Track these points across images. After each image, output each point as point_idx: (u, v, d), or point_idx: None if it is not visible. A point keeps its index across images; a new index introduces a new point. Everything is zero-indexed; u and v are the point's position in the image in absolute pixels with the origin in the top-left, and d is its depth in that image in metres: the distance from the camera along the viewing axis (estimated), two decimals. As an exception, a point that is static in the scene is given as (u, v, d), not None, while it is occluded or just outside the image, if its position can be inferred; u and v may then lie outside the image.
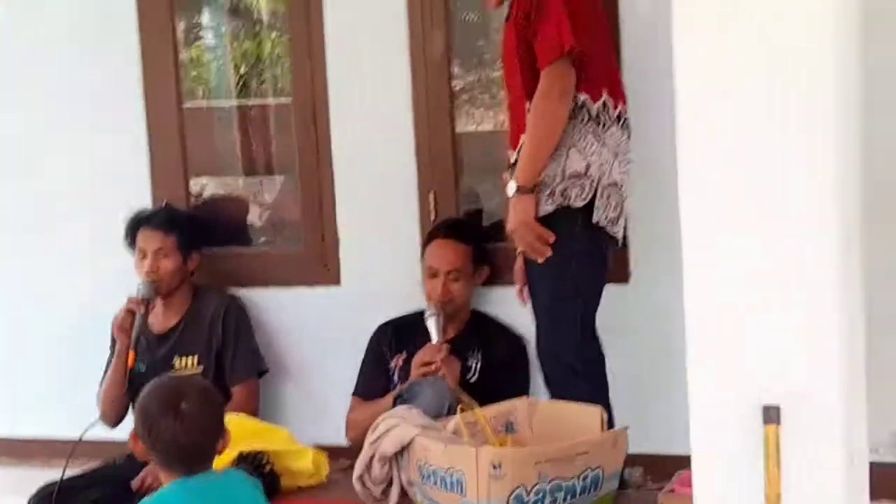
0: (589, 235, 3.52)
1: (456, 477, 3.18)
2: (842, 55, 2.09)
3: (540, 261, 3.49)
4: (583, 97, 3.49)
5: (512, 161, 3.63)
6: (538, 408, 3.63)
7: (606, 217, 3.52)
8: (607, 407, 3.50)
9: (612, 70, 3.67)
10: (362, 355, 4.20)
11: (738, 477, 2.11)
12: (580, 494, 3.27)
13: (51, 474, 3.96)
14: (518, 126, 3.60)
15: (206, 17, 7.21)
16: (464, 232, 4.13)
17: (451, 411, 3.64)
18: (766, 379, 2.09)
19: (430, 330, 3.94)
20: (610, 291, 3.77)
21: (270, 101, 6.55)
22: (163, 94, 4.66)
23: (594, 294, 3.63)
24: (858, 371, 2.28)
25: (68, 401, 4.66)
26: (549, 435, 3.48)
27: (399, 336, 4.15)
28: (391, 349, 4.16)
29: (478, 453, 3.14)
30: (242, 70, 7.11)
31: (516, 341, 4.12)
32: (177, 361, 4.30)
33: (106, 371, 4.32)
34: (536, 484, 3.17)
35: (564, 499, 3.23)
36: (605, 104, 3.54)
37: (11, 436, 4.92)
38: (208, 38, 7.26)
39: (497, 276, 4.19)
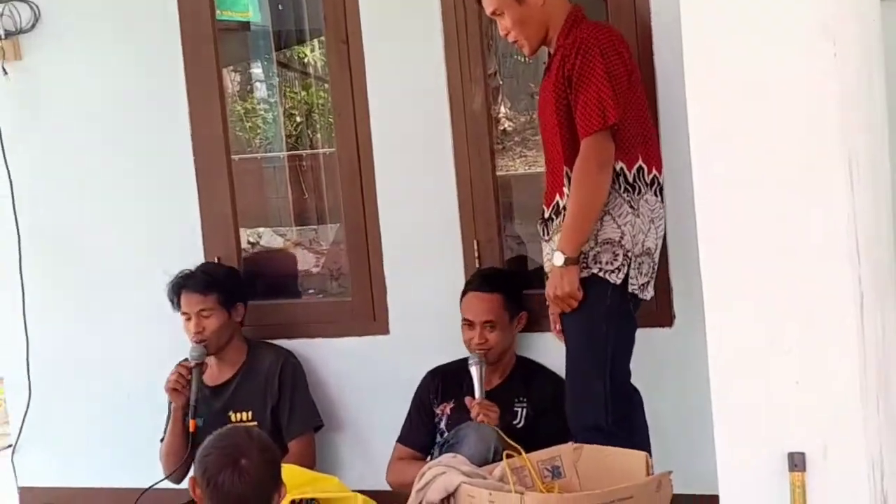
0: (619, 302, 3.53)
1: (501, 523, 3.21)
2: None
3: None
4: (619, 165, 3.49)
5: (545, 216, 3.68)
6: (583, 453, 3.62)
7: (638, 285, 3.55)
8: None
9: (648, 135, 3.65)
10: (408, 405, 4.22)
11: (766, 523, 2.13)
12: (625, 538, 3.30)
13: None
14: (554, 183, 3.63)
15: (257, 71, 7.34)
16: (496, 283, 4.12)
17: (496, 457, 3.67)
18: (791, 426, 2.11)
19: (473, 378, 3.95)
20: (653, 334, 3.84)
21: (322, 150, 6.59)
22: (212, 149, 4.69)
23: (625, 353, 3.64)
24: (889, 413, 2.30)
25: (125, 454, 4.76)
26: (594, 480, 3.47)
27: (446, 384, 4.17)
28: (438, 397, 4.18)
29: (522, 500, 3.15)
30: (295, 121, 7.23)
31: (561, 385, 4.08)
32: (232, 416, 4.33)
33: (165, 430, 4.36)
34: (582, 529, 3.21)
35: (610, 543, 3.27)
36: (640, 169, 3.55)
37: (69, 485, 4.96)
38: (260, 90, 7.38)
39: (538, 322, 4.18)
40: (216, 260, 4.67)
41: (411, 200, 4.41)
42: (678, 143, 3.61)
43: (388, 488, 4.11)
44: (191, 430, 4.16)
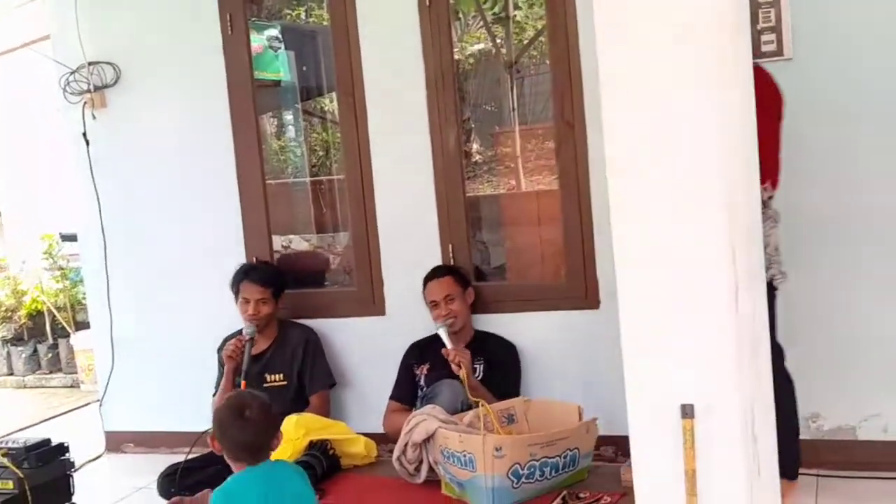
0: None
1: (468, 457, 3.19)
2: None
3: None
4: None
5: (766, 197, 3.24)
6: (531, 404, 3.64)
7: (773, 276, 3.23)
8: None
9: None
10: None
11: (665, 456, 2.12)
12: (562, 469, 3.29)
13: (174, 458, 4.01)
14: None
15: (288, 117, 7.32)
16: (442, 270, 4.15)
17: (464, 407, 3.66)
18: (683, 384, 2.09)
19: (443, 339, 3.93)
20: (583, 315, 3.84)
21: (336, 177, 6.59)
22: (251, 175, 4.66)
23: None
24: (759, 373, 2.29)
25: (181, 405, 4.76)
26: (539, 425, 3.50)
27: (422, 352, 4.15)
28: (417, 361, 4.16)
29: (484, 440, 3.15)
30: (317, 154, 7.21)
31: (509, 347, 4.12)
32: (267, 377, 4.30)
33: (217, 386, 4.33)
34: (529, 461, 3.19)
35: (550, 473, 3.26)
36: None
37: (144, 429, 4.98)
38: (290, 132, 7.36)
39: (498, 306, 4.21)
40: (254, 259, 4.64)
41: (402, 214, 4.39)
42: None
43: (383, 431, 4.08)
44: (242, 388, 4.08)
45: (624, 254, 2.14)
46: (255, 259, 4.64)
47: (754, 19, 3.61)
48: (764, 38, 3.63)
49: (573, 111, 3.99)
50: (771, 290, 3.20)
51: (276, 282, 4.32)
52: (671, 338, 2.09)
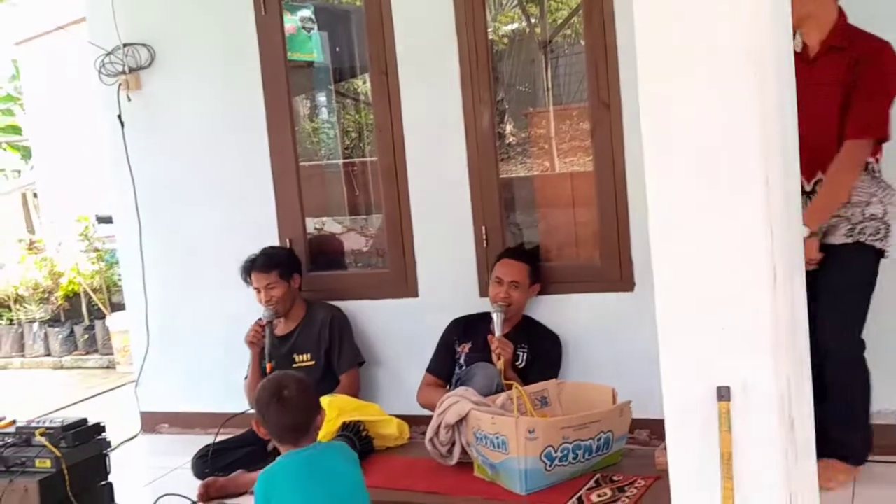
0: (875, 264, 3.28)
1: (501, 439, 3.19)
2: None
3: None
4: (872, 160, 3.24)
5: (808, 190, 3.26)
6: (564, 387, 3.63)
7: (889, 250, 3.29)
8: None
9: None
10: (433, 349, 4.18)
11: (700, 440, 2.09)
12: (595, 452, 3.28)
13: (209, 439, 4.03)
14: (821, 161, 3.21)
15: (322, 98, 7.33)
16: (525, 255, 4.12)
17: (499, 389, 3.66)
18: (719, 366, 2.06)
19: (494, 322, 3.91)
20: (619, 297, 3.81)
21: (369, 159, 6.59)
22: (284, 157, 4.67)
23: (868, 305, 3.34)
24: (798, 357, 2.26)
25: (216, 385, 4.79)
26: (572, 407, 3.49)
27: (466, 330, 4.13)
28: (459, 339, 4.14)
29: (517, 422, 3.15)
30: (351, 136, 7.21)
31: (555, 339, 4.10)
32: (296, 357, 4.33)
33: (248, 370, 4.38)
34: (562, 444, 3.18)
35: (583, 455, 3.25)
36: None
37: (179, 410, 5.02)
38: (324, 113, 7.37)
39: (543, 289, 4.16)
40: (288, 241, 4.68)
41: (435, 196, 4.39)
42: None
43: (416, 413, 4.08)
44: (268, 371, 4.13)
45: (660, 235, 2.11)
46: (289, 241, 4.66)
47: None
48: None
49: (609, 91, 3.96)
50: (878, 256, 3.26)
51: (280, 263, 4.32)
52: (707, 319, 2.06)
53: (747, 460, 2.06)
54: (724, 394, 2.04)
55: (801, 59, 3.10)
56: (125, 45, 4.81)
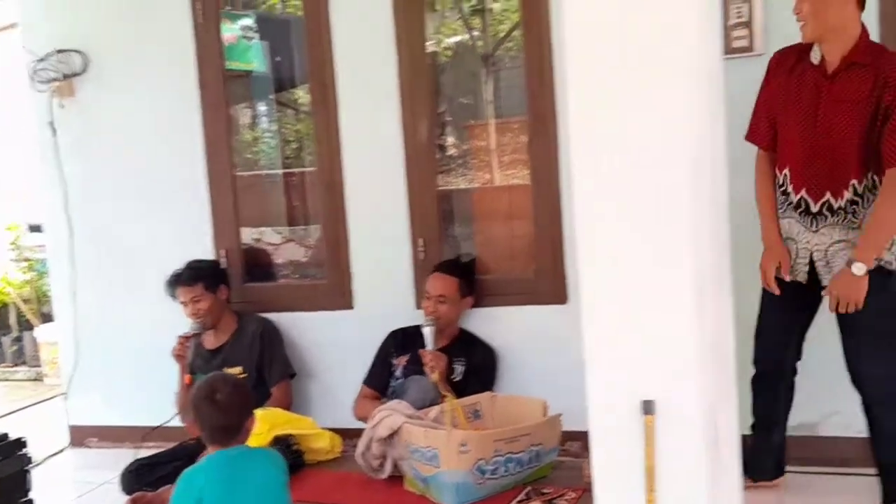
0: None
1: (433, 452, 3.18)
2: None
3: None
4: None
5: (813, 210, 3.14)
6: (497, 400, 3.64)
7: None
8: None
9: None
10: (369, 362, 4.16)
11: (624, 453, 2.11)
12: (527, 465, 3.29)
13: (139, 454, 3.99)
14: (832, 183, 3.09)
15: (264, 108, 7.28)
16: (454, 269, 4.10)
17: (433, 402, 3.66)
18: (645, 381, 2.09)
19: (425, 336, 3.91)
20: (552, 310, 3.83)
21: (308, 169, 6.56)
22: (220, 166, 4.62)
23: None
24: (723, 373, 2.30)
25: (146, 399, 4.69)
26: (504, 420, 3.49)
27: (403, 342, 4.11)
28: (396, 351, 4.12)
29: (449, 435, 3.15)
30: (292, 146, 7.17)
31: (490, 352, 4.12)
32: (227, 370, 4.22)
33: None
34: (494, 457, 3.19)
35: (515, 468, 3.25)
36: None
37: (108, 424, 4.92)
38: (265, 123, 7.33)
39: (475, 301, 4.17)
40: (224, 252, 4.63)
41: (372, 208, 4.38)
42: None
43: (352, 426, 4.03)
44: (187, 383, 4.11)
45: (588, 249, 2.14)
46: (224, 252, 4.62)
47: (726, 15, 3.62)
48: (735, 34, 3.65)
49: (546, 105, 3.99)
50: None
51: (205, 276, 4.29)
52: (633, 334, 2.09)
53: (671, 474, 2.09)
54: (648, 407, 2.07)
55: (819, 72, 3.08)
56: (58, 52, 4.73)
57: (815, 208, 3.14)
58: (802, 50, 3.13)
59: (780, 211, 3.24)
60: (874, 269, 3.06)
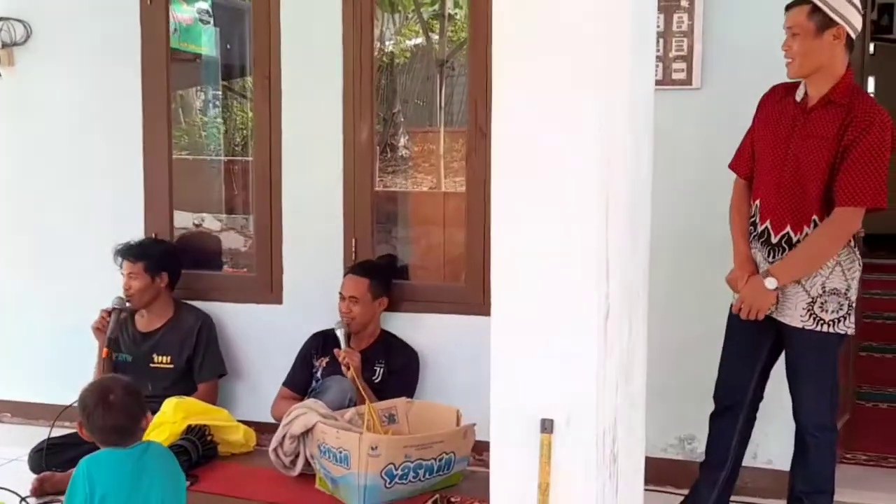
0: (839, 344, 3.14)
1: (344, 454, 3.20)
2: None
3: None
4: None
5: (773, 241, 3.14)
6: (413, 406, 3.66)
7: (852, 328, 3.15)
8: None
9: None
10: (291, 359, 4.16)
11: (520, 469, 2.15)
12: (437, 472, 3.32)
13: (54, 432, 3.88)
14: (791, 215, 3.09)
15: (211, 93, 7.24)
16: (367, 270, 4.10)
17: (351, 404, 3.68)
18: (545, 399, 2.12)
19: (338, 337, 3.92)
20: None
21: (250, 158, 6.55)
22: (157, 149, 4.57)
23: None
24: (628, 396, 2.34)
25: (65, 376, 4.61)
26: (418, 426, 3.52)
27: (325, 344, 4.11)
28: (318, 353, 4.13)
29: (360, 438, 3.17)
30: (242, 133, 7.14)
31: (412, 355, 4.14)
32: (155, 357, 4.27)
33: None
34: (403, 462, 3.21)
35: (425, 475, 3.28)
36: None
37: (22, 399, 4.85)
38: (211, 108, 7.29)
39: (398, 305, 4.20)
40: (154, 236, 4.58)
41: (308, 203, 4.37)
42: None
43: (269, 421, 4.03)
44: (103, 356, 4.13)
45: (498, 262, 2.17)
46: (154, 235, 4.57)
47: (667, 47, 3.70)
48: (675, 66, 3.72)
49: (487, 119, 4.03)
50: (841, 339, 3.12)
51: (149, 257, 4.25)
52: (537, 351, 2.12)
53: (565, 492, 2.13)
54: (546, 426, 2.11)
55: (800, 108, 3.10)
56: (0, 19, 4.66)
57: (774, 239, 3.14)
58: (793, 86, 3.17)
59: (751, 239, 3.25)
60: (814, 329, 3.07)
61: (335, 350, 3.91)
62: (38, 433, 4.16)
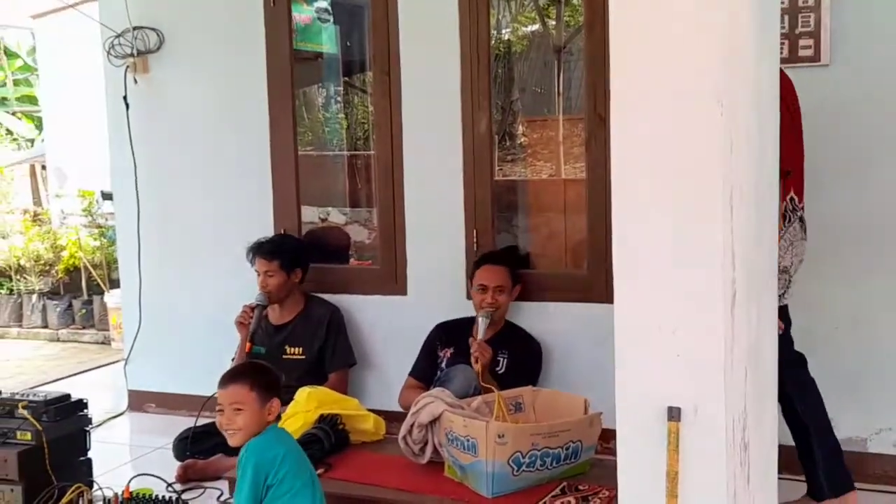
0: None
1: (471, 442, 3.23)
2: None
3: None
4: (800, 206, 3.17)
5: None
6: (539, 394, 3.67)
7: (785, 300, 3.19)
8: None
9: (798, 170, 3.21)
10: (417, 348, 4.24)
11: (649, 457, 2.15)
12: (564, 460, 3.32)
13: (193, 421, 4.12)
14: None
15: (333, 90, 7.40)
16: (503, 258, 4.16)
17: (475, 393, 3.72)
18: (671, 387, 2.12)
19: (479, 328, 3.97)
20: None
21: (372, 152, 6.66)
22: (283, 146, 4.73)
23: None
24: (758, 382, 2.31)
25: (208, 369, 4.80)
26: (545, 415, 3.53)
27: (449, 335, 4.19)
28: (442, 343, 4.20)
29: (487, 426, 3.19)
30: (364, 129, 7.28)
31: (535, 346, 4.16)
32: (287, 349, 4.41)
33: (236, 353, 4.45)
34: (531, 450, 3.23)
35: (551, 463, 3.29)
36: (791, 199, 3.19)
37: (166, 391, 5.09)
38: (333, 104, 7.44)
39: (526, 294, 4.22)
40: (282, 231, 4.73)
41: (429, 195, 4.45)
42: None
43: (397, 409, 4.13)
44: (246, 350, 4.28)
45: (622, 251, 2.17)
46: (283, 231, 4.72)
47: (793, 23, 3.59)
48: (802, 42, 3.61)
49: (606, 104, 3.99)
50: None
51: (285, 254, 4.38)
52: (663, 340, 2.11)
53: (693, 480, 2.12)
54: (674, 414, 2.10)
55: None
56: (135, 28, 4.89)
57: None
58: None
59: None
60: None
61: (470, 339, 3.96)
62: (181, 422, 4.38)
